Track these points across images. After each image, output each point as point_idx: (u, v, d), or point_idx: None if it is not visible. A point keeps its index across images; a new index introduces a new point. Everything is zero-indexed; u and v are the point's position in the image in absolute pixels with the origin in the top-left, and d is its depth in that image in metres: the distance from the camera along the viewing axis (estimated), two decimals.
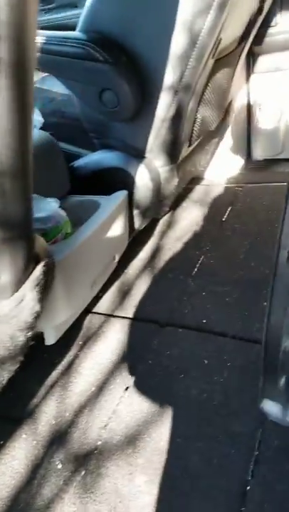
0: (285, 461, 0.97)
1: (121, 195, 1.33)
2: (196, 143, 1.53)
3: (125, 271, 1.60)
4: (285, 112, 1.86)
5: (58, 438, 1.10)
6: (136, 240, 1.68)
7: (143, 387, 1.18)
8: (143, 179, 1.34)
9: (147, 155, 1.36)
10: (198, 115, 1.38)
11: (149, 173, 1.33)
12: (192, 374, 1.20)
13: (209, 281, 1.49)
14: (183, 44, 1.11)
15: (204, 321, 1.35)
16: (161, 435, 1.07)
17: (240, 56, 1.59)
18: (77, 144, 1.59)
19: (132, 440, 1.08)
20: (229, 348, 1.24)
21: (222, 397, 1.12)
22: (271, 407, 0.87)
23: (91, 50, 1.12)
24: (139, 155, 1.36)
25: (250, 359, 1.19)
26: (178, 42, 1.10)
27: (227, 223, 1.74)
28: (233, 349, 1.24)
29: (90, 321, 1.43)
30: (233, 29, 1.33)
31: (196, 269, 1.55)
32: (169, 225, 1.79)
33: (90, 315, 1.45)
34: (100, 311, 1.46)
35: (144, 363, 1.25)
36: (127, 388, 1.19)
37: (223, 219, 1.76)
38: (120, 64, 1.14)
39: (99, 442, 1.09)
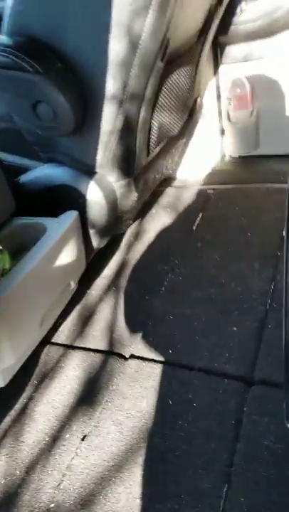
0: None
1: (70, 215, 1.18)
2: (157, 150, 1.38)
3: (87, 291, 1.47)
4: (259, 105, 1.70)
5: (6, 502, 1.00)
6: (100, 254, 1.55)
7: (101, 435, 1.08)
8: (95, 197, 1.20)
9: (98, 170, 1.21)
10: (154, 123, 1.22)
11: (101, 190, 1.19)
12: (156, 418, 1.09)
13: (176, 303, 1.36)
14: (121, 50, 0.95)
15: (170, 351, 1.23)
16: (119, 495, 0.97)
17: (201, 51, 1.42)
18: (26, 155, 1.43)
19: (86, 502, 0.97)
20: (196, 384, 1.13)
21: (186, 446, 1.02)
22: None
23: (15, 59, 0.95)
24: (89, 171, 1.21)
25: (217, 398, 1.09)
26: (115, 47, 0.94)
27: (197, 232, 1.60)
28: (199, 385, 1.13)
29: (48, 354, 1.31)
30: (186, 27, 1.17)
31: (163, 288, 1.43)
32: (137, 236, 1.66)
33: (47, 346, 1.33)
34: (58, 341, 1.34)
35: (103, 405, 1.14)
36: (84, 437, 1.08)
37: (194, 227, 1.62)
38: (52, 73, 0.98)
39: (51, 505, 0.98)
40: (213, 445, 1.01)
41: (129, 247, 1.62)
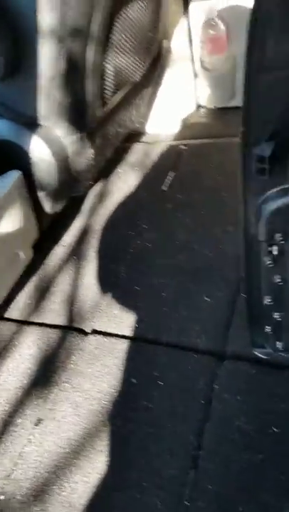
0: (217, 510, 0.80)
1: (12, 176, 1.02)
2: (115, 100, 1.21)
3: (45, 262, 1.33)
4: (235, 49, 1.52)
5: None
6: (58, 220, 1.40)
7: (57, 420, 0.97)
8: (41, 153, 1.03)
9: (43, 123, 1.04)
10: (109, 66, 1.05)
11: (48, 146, 1.02)
12: (117, 399, 0.99)
13: (144, 272, 1.24)
14: None
15: (136, 325, 1.12)
16: (75, 485, 0.88)
17: None
18: None
19: (39, 493, 0.88)
20: (162, 361, 1.03)
21: (150, 429, 0.93)
22: (263, 352, 0.87)
23: None
24: (31, 123, 1.04)
25: (185, 375, 0.99)
26: None
27: (168, 193, 1.46)
28: (166, 362, 1.03)
29: None
30: None
31: (129, 256, 1.30)
32: (101, 199, 1.51)
33: None
34: (11, 317, 1.21)
35: (60, 387, 1.03)
36: (37, 422, 0.98)
37: (164, 188, 1.48)
38: None
39: (1, 497, 0.89)
40: (180, 427, 0.91)
41: (92, 211, 1.47)
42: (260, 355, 0.90)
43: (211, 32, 1.51)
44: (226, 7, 1.49)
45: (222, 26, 1.50)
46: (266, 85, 0.59)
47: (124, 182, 1.54)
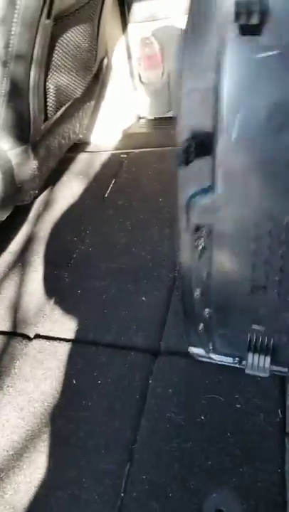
0: (153, 500, 0.85)
1: None
2: (58, 114, 1.25)
3: None
4: (170, 64, 1.60)
5: None
6: (4, 228, 1.42)
7: (1, 423, 1.00)
8: None
9: None
10: (50, 85, 1.11)
11: None
12: (59, 400, 1.02)
13: (86, 275, 1.28)
14: None
15: (77, 327, 1.16)
16: (17, 486, 0.90)
17: (102, 8, 1.30)
18: None
19: None
20: (101, 360, 1.07)
21: (90, 427, 0.97)
22: (197, 351, 0.96)
23: None
24: None
25: (123, 373, 1.04)
26: None
27: (110, 200, 1.51)
28: (105, 362, 1.07)
29: None
30: None
31: (72, 261, 1.34)
32: (46, 206, 1.54)
33: None
34: None
35: (4, 391, 1.05)
36: None
37: (106, 195, 1.53)
38: None
39: None
40: (117, 423, 0.96)
41: (38, 218, 1.51)
42: (194, 356, 0.97)
43: (147, 50, 1.59)
44: (160, 27, 1.58)
45: (157, 45, 1.59)
46: (188, 96, 0.66)
47: (69, 190, 1.59)
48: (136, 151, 1.68)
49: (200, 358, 0.98)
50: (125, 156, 1.66)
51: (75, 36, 1.24)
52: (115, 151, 1.70)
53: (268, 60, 0.56)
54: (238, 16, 0.53)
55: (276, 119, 0.60)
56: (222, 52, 0.58)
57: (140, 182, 1.54)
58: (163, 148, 1.63)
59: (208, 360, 0.96)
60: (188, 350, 0.98)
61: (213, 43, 0.58)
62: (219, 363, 0.95)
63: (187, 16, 0.62)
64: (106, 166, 1.65)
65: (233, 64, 0.58)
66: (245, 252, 0.73)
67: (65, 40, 1.19)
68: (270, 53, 0.56)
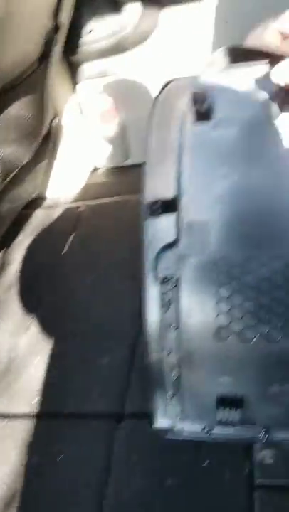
0: None
1: None
2: (6, 181, 1.27)
3: None
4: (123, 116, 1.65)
5: None
6: None
7: None
8: None
9: None
10: None
11: None
12: (19, 482, 0.96)
13: (45, 341, 1.24)
14: None
15: (36, 399, 1.10)
16: None
17: (47, 76, 1.35)
18: None
19: None
20: (64, 433, 1.02)
21: (52, 505, 0.91)
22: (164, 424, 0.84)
23: None
24: None
25: (87, 444, 0.98)
26: None
27: (68, 257, 1.49)
28: (68, 433, 1.02)
29: None
30: (14, 56, 1.09)
31: (30, 326, 1.30)
32: (2, 268, 1.51)
33: None
34: None
35: None
36: None
37: (64, 252, 1.52)
38: None
39: None
40: (82, 498, 0.91)
41: None
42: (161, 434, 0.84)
43: (100, 105, 1.63)
44: (111, 82, 1.62)
45: (109, 99, 1.62)
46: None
47: (25, 249, 1.56)
48: (94, 202, 1.68)
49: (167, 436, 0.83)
50: (84, 207, 1.66)
51: (19, 108, 1.26)
52: (72, 204, 1.70)
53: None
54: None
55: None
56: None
57: (99, 234, 1.53)
58: (122, 197, 1.64)
59: (176, 438, 0.83)
60: (153, 426, 0.83)
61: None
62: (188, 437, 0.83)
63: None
64: (63, 220, 1.64)
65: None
66: (210, 298, 0.72)
67: (7, 115, 1.21)
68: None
